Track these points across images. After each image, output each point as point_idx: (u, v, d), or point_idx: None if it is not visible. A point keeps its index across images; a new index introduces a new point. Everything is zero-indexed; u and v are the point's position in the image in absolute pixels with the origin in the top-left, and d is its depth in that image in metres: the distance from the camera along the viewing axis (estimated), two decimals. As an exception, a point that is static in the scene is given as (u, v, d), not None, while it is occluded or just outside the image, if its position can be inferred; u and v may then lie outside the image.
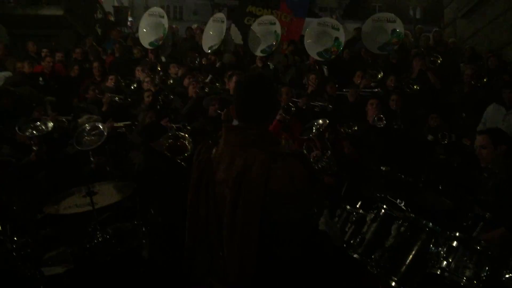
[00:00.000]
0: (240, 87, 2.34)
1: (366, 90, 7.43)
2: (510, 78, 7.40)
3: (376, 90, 7.34)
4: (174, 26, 13.46)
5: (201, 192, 2.24)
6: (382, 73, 8.25)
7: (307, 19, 11.84)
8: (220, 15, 10.64)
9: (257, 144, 2.16)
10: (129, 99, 7.55)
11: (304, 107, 6.43)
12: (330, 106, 6.73)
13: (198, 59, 9.61)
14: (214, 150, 2.29)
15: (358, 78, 8.04)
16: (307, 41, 9.61)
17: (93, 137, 4.71)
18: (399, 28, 9.49)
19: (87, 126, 4.82)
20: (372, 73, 8.28)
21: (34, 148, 4.72)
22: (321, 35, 9.54)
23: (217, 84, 8.01)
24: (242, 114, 2.27)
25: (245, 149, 2.15)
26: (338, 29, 9.49)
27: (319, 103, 6.78)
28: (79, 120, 5.43)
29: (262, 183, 2.05)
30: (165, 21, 10.23)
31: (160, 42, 10.00)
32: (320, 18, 12.66)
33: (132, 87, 8.22)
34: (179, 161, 4.81)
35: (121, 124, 6.07)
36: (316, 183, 2.33)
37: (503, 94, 6.28)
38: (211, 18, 10.62)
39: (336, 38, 9.41)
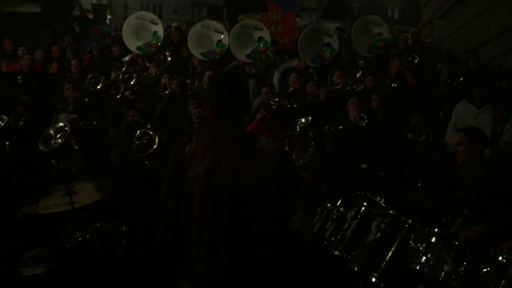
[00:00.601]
0: (212, 82, 2.30)
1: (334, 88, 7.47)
2: (485, 78, 7.54)
3: (338, 87, 7.38)
4: None
5: (173, 189, 2.23)
6: (360, 72, 8.33)
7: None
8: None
9: (230, 140, 2.14)
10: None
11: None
12: (295, 105, 6.62)
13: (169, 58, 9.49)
14: (188, 147, 2.27)
15: (337, 77, 8.09)
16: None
17: (59, 139, 4.51)
18: (385, 33, 9.59)
19: (51, 130, 4.60)
20: (351, 72, 8.35)
21: None
22: (312, 40, 9.54)
23: (197, 83, 7.98)
24: (215, 110, 2.23)
25: (216, 144, 2.12)
26: (331, 36, 9.52)
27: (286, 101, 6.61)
28: (58, 119, 5.33)
29: (230, 179, 2.03)
30: (159, 28, 10.09)
31: (153, 50, 9.87)
32: (300, 17, 12.73)
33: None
34: (146, 162, 4.79)
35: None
36: (292, 179, 2.35)
37: (473, 92, 6.39)
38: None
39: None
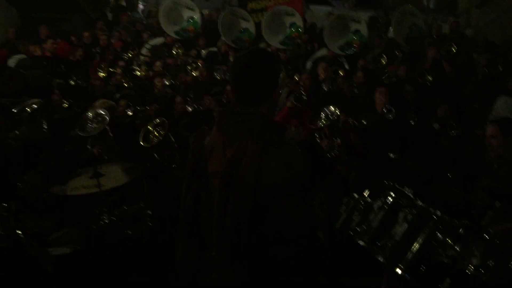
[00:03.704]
0: (237, 64, 2.05)
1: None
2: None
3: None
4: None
5: (193, 184, 2.05)
6: (386, 59, 8.14)
7: (321, 8, 11.64)
8: None
9: (253, 131, 1.94)
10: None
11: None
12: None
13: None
14: (207, 138, 2.08)
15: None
16: (326, 35, 9.45)
17: (96, 125, 4.59)
18: (420, 23, 9.34)
19: (90, 114, 4.71)
20: (376, 58, 8.18)
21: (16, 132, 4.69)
22: (339, 28, 9.41)
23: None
24: (238, 95, 2.01)
25: (237, 138, 1.94)
26: (359, 22, 9.36)
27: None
28: (95, 104, 5.40)
29: (252, 177, 1.85)
30: (196, 14, 10.10)
31: (191, 35, 9.89)
32: (332, 7, 12.50)
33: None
34: (155, 155, 4.77)
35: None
36: (322, 173, 2.14)
37: (508, 84, 6.18)
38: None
39: (357, 31, 9.28)
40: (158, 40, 10.24)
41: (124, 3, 14.99)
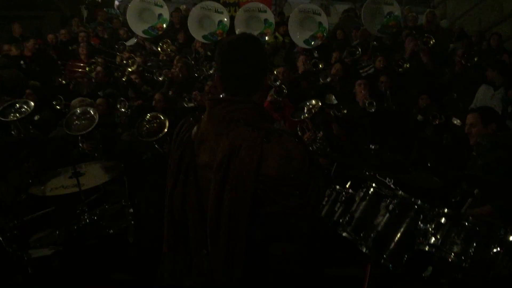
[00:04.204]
0: (222, 50, 1.90)
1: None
2: (498, 58, 7.35)
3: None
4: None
5: (180, 178, 1.92)
6: (360, 50, 8.21)
7: (294, 1, 11.63)
8: None
9: (247, 119, 1.83)
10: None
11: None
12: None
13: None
14: (195, 128, 1.95)
15: (335, 59, 7.97)
16: (291, 28, 9.46)
17: (83, 122, 4.64)
18: (396, 11, 9.42)
19: (78, 110, 4.73)
20: (350, 50, 8.25)
21: (13, 132, 4.69)
22: (305, 21, 9.43)
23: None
24: (227, 82, 1.89)
25: (232, 126, 1.81)
26: (320, 14, 9.39)
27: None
28: (72, 102, 5.36)
29: (253, 167, 1.73)
30: (164, 11, 9.91)
31: (160, 33, 9.74)
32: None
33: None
34: (157, 146, 4.80)
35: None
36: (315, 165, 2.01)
37: (486, 73, 6.29)
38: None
39: (320, 23, 9.33)
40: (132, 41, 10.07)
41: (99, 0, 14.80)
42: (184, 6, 12.64)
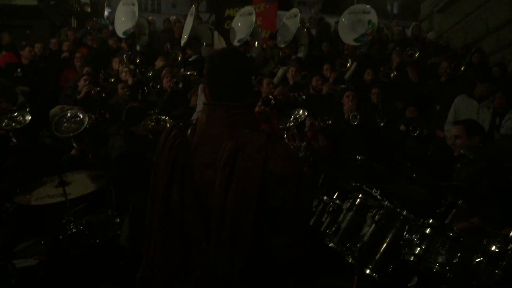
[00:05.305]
0: (216, 61, 2.06)
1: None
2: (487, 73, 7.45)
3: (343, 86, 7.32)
4: (150, 18, 13.18)
5: (176, 178, 1.98)
6: (350, 61, 8.29)
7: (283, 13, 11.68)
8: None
9: (246, 124, 1.98)
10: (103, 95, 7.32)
11: (279, 97, 6.34)
12: (303, 97, 6.70)
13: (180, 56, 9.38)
14: (189, 132, 2.05)
15: (327, 71, 8.01)
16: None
17: (72, 125, 4.65)
18: (373, 19, 9.52)
19: (68, 113, 4.75)
20: (341, 62, 8.32)
21: (14, 140, 4.67)
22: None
23: (194, 73, 7.93)
24: (221, 91, 2.02)
25: (235, 129, 1.94)
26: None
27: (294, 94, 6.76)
28: (51, 111, 5.34)
29: (260, 163, 1.86)
30: (135, 9, 9.99)
31: (132, 30, 9.78)
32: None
33: (111, 80, 8.05)
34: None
35: None
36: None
37: (477, 87, 6.33)
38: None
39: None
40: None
41: (89, 9, 14.80)
42: (174, 17, 12.70)
